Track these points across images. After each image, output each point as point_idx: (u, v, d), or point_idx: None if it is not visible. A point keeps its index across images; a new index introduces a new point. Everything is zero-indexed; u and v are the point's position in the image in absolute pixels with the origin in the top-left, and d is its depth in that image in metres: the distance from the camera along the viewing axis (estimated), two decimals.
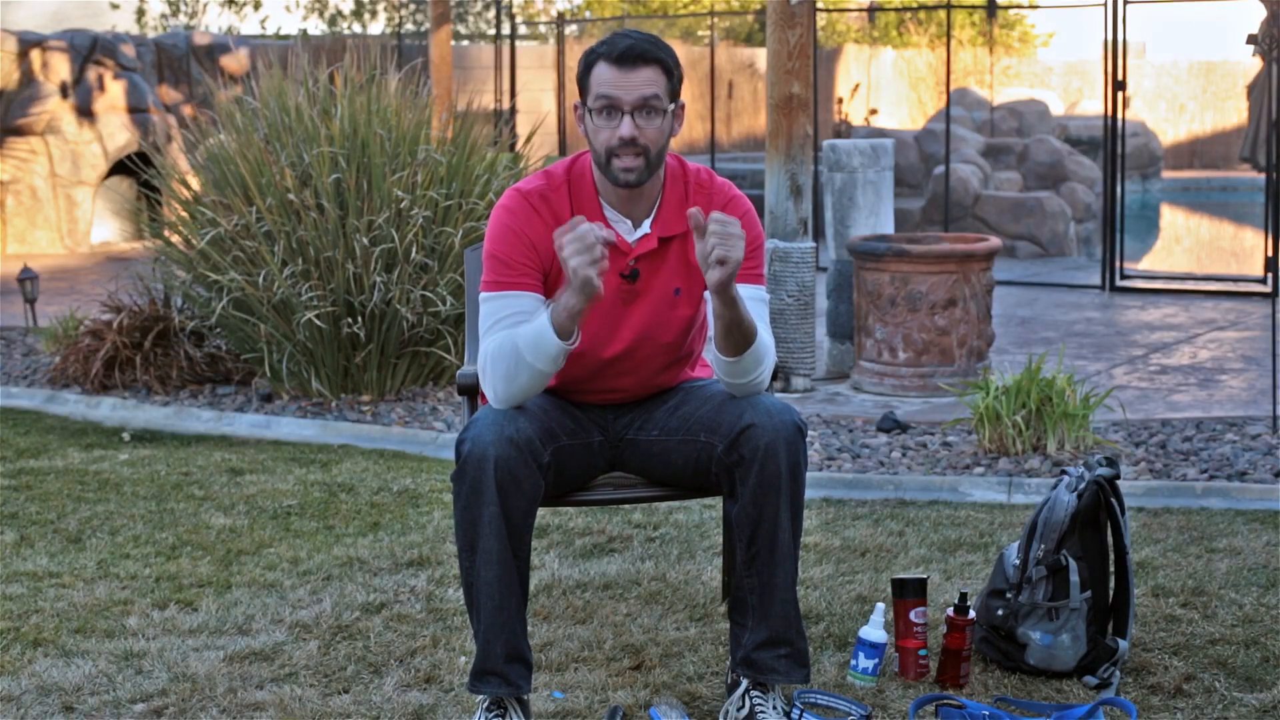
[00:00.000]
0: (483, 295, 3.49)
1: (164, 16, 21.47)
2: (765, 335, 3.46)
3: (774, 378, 3.85)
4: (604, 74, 3.40)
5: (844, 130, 16.94)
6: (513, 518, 3.35)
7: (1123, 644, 3.75)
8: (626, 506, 5.27)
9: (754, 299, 3.49)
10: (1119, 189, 11.32)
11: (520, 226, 3.47)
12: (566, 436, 3.54)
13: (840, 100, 19.00)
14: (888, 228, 8.09)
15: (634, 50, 3.39)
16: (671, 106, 3.45)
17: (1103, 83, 11.53)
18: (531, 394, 3.43)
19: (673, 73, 3.44)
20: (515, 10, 23.03)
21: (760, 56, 21.46)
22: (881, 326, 7.34)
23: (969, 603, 3.79)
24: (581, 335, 3.42)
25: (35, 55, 14.03)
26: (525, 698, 3.46)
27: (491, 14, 22.76)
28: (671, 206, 3.54)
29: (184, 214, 7.71)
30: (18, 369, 8.29)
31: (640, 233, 3.52)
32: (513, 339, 3.37)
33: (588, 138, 3.48)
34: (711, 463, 3.47)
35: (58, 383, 7.77)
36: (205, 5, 21.54)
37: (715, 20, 22.99)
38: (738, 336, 3.37)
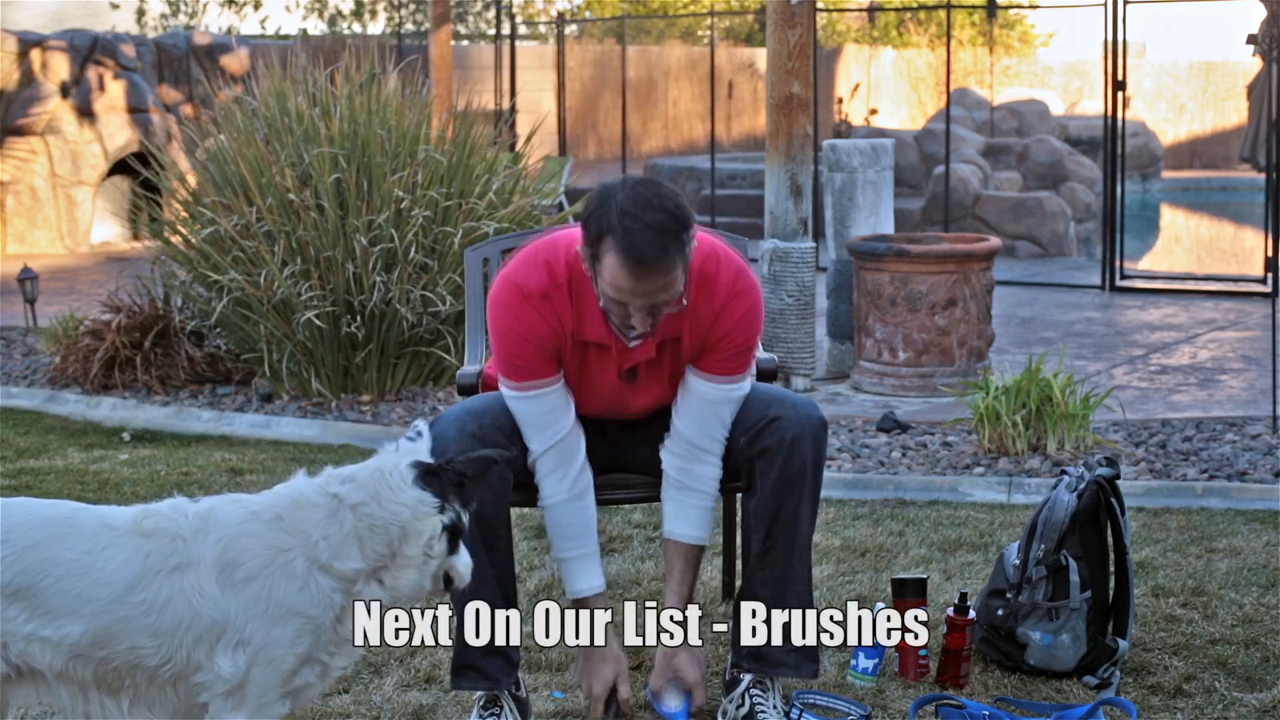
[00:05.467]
0: (508, 392, 3.47)
1: (164, 16, 21.46)
2: (704, 505, 3.53)
3: (774, 377, 3.85)
4: (615, 275, 3.18)
5: (844, 130, 16.94)
6: (482, 513, 3.35)
7: (1123, 644, 3.75)
8: (626, 506, 5.27)
9: (724, 401, 3.44)
10: (1119, 189, 11.32)
11: (524, 331, 3.39)
12: None
13: (840, 100, 18.99)
14: (888, 228, 8.09)
15: (651, 257, 3.14)
16: (685, 279, 3.27)
17: (1103, 83, 11.53)
18: None
19: (688, 254, 3.23)
20: (515, 10, 23.03)
21: (760, 56, 21.46)
22: (881, 326, 7.34)
23: (969, 603, 3.79)
24: (588, 406, 3.52)
25: (35, 55, 14.02)
26: (522, 695, 3.46)
27: (491, 14, 22.75)
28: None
29: (184, 214, 7.71)
30: (18, 369, 8.29)
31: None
32: (576, 520, 3.50)
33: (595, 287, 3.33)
34: (729, 455, 3.47)
35: (58, 383, 7.77)
36: (205, 5, 21.53)
37: (715, 20, 22.98)
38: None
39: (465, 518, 2.86)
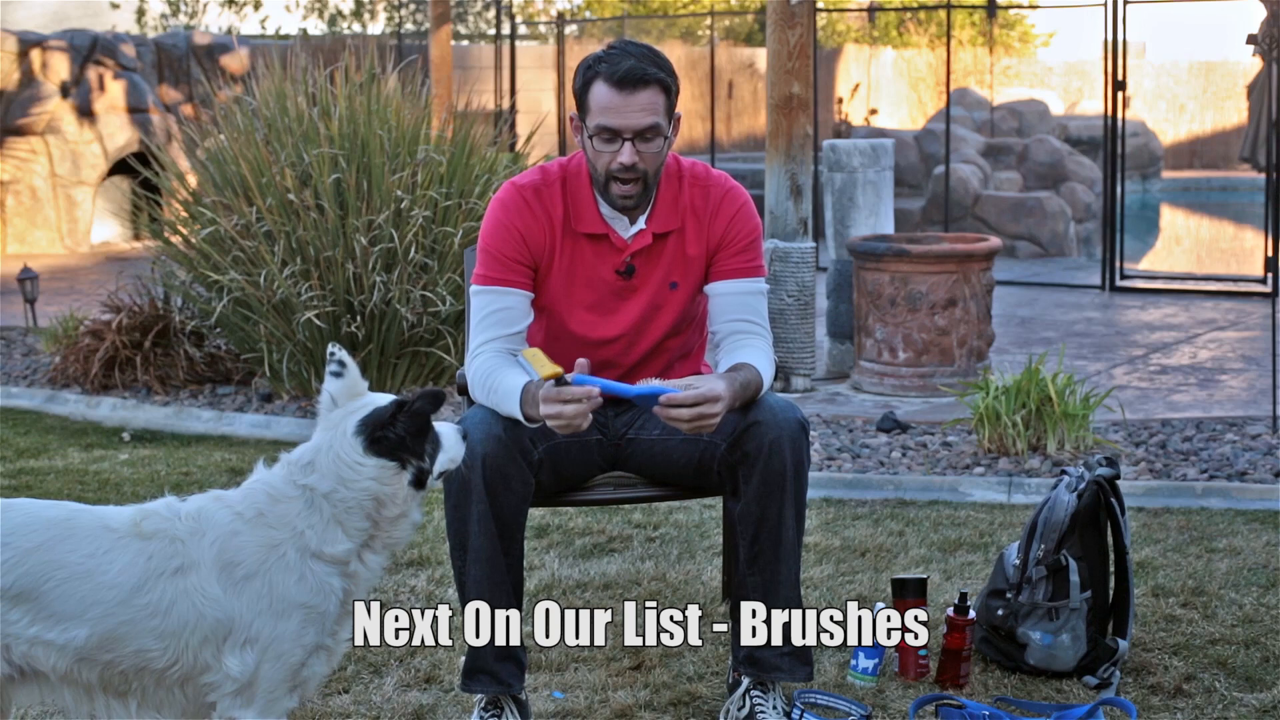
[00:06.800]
0: (474, 288, 3.56)
1: (164, 16, 21.46)
2: (763, 359, 3.50)
3: (774, 378, 3.84)
4: (603, 98, 3.39)
5: (844, 130, 16.94)
6: (502, 515, 3.36)
7: (1123, 644, 3.75)
8: (626, 506, 5.27)
9: (751, 292, 3.57)
10: (1119, 189, 11.32)
11: (513, 221, 3.53)
12: (562, 434, 3.54)
13: (840, 100, 18.99)
14: (888, 228, 8.09)
15: (634, 73, 3.38)
16: (670, 126, 3.47)
17: (1103, 83, 11.53)
18: None
19: (671, 89, 3.45)
20: (515, 10, 23.03)
21: (760, 56, 21.46)
22: (881, 326, 7.34)
23: (969, 603, 3.79)
24: (579, 326, 3.55)
25: (35, 55, 14.03)
26: (523, 697, 3.46)
27: (491, 14, 22.76)
28: (666, 203, 3.57)
29: (184, 214, 7.71)
30: (18, 369, 8.29)
31: (635, 229, 3.55)
32: (495, 381, 3.41)
33: (585, 154, 3.50)
34: (714, 461, 3.47)
35: (58, 383, 7.77)
36: (205, 5, 21.53)
37: (715, 20, 22.97)
38: (748, 397, 3.42)
39: (427, 464, 2.89)
